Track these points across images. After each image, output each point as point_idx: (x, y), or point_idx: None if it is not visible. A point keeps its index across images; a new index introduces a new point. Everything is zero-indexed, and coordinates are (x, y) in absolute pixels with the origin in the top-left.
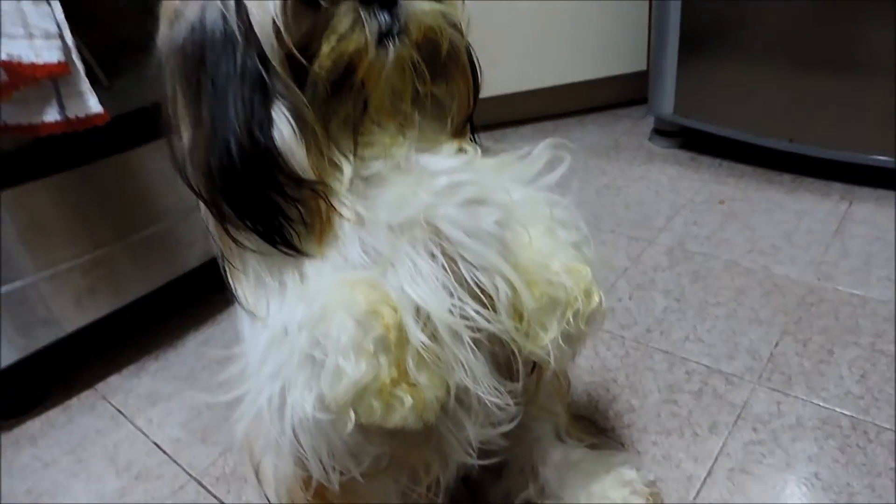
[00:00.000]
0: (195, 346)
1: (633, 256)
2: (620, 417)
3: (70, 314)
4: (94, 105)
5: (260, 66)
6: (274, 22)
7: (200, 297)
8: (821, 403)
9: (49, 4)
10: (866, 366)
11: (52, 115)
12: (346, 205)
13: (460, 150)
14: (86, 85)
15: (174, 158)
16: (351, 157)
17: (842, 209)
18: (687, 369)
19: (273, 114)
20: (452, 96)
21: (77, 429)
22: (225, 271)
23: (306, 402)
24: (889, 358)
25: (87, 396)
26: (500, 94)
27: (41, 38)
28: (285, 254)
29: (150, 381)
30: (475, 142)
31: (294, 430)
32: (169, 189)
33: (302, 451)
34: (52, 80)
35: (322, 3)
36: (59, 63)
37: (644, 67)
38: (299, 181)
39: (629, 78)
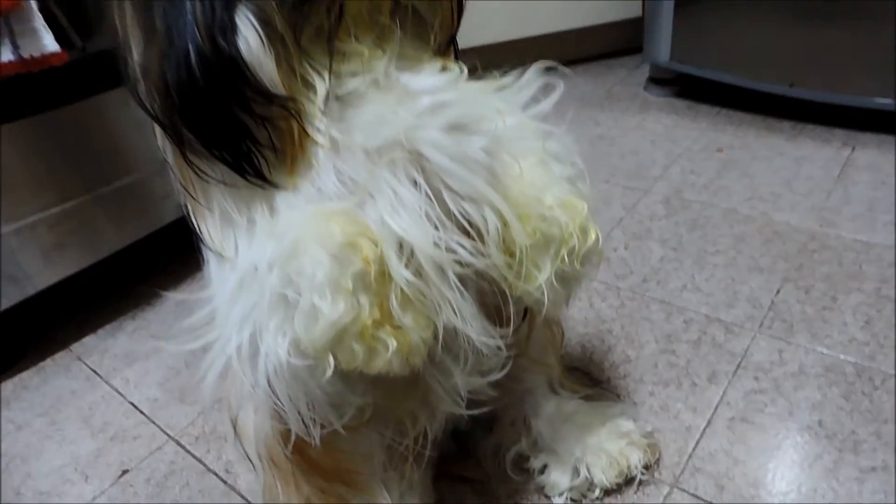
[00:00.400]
0: (174, 305)
1: (629, 206)
2: (616, 368)
3: (40, 271)
4: (49, 43)
5: None
6: None
7: (179, 253)
8: (824, 351)
9: None
10: (871, 312)
11: (5, 55)
12: (320, 129)
13: (444, 69)
14: (40, 21)
15: (126, 78)
16: (325, 74)
17: (844, 155)
18: (685, 318)
19: (237, 19)
20: (434, 12)
21: (51, 390)
22: (187, 208)
23: (280, 347)
24: (894, 304)
25: (61, 357)
26: (487, 43)
27: None
28: (254, 185)
29: (126, 340)
30: (459, 63)
31: (269, 380)
32: (141, 137)
33: (278, 402)
34: (2, 16)
35: None
36: None
37: (639, 14)
38: (269, 96)
39: (623, 25)
